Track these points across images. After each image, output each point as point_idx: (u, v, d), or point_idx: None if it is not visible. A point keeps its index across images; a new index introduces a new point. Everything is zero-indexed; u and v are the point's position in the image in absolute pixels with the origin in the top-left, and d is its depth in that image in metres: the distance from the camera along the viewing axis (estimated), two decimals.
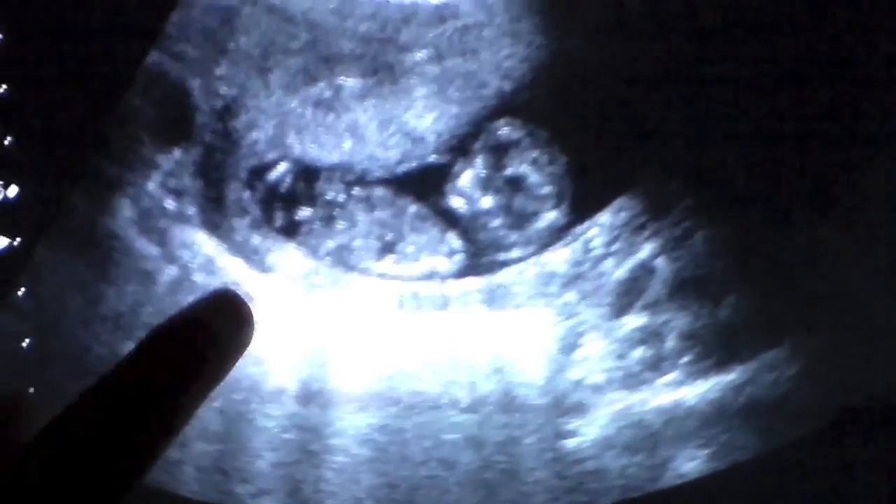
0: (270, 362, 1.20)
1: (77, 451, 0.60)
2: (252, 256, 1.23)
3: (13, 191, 1.21)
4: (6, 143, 1.22)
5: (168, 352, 0.65)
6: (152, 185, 1.23)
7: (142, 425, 0.62)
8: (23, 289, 1.20)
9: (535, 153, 1.26)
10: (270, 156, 1.25)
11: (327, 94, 1.26)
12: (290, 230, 1.24)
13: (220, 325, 0.67)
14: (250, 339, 0.69)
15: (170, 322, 0.65)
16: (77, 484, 0.59)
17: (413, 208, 1.25)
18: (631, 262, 1.25)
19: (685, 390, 1.22)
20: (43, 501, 0.58)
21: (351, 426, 1.21)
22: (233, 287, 0.77)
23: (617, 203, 1.25)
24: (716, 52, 1.24)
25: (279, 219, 1.24)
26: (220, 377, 0.67)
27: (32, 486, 0.58)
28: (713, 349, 1.23)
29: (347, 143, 1.26)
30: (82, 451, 0.60)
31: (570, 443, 1.21)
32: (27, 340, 1.19)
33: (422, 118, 1.26)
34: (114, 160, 1.23)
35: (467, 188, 1.25)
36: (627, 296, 1.24)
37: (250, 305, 0.69)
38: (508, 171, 1.26)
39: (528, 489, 1.20)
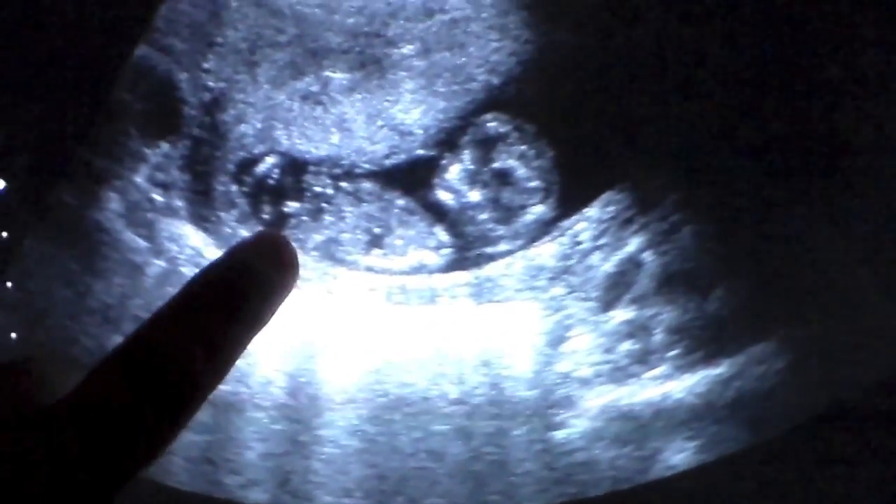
0: (259, 354, 1.23)
1: (114, 404, 0.62)
2: None
3: (0, 185, 1.24)
4: None
5: (210, 293, 0.67)
6: (140, 179, 1.25)
7: (185, 369, 0.64)
8: (10, 282, 1.22)
9: (522, 147, 1.28)
10: (258, 149, 1.27)
11: (315, 87, 1.27)
12: (278, 224, 1.25)
13: (262, 266, 0.69)
14: (294, 280, 0.71)
15: (212, 264, 0.68)
16: (110, 440, 0.61)
17: (401, 202, 1.27)
18: (619, 256, 1.27)
19: (673, 384, 1.25)
20: (72, 462, 0.60)
21: (340, 417, 1.23)
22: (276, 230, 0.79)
23: (605, 197, 1.27)
24: (705, 47, 1.27)
25: (267, 212, 1.26)
26: (265, 319, 0.69)
27: (65, 444, 0.60)
28: (701, 343, 1.24)
29: (335, 137, 1.27)
30: (120, 403, 0.62)
31: (559, 435, 1.23)
32: (14, 334, 1.21)
33: (409, 112, 1.28)
34: (101, 153, 1.25)
35: (455, 182, 1.28)
36: (615, 290, 1.26)
37: (294, 248, 0.71)
38: (496, 165, 1.28)
39: (517, 480, 1.22)
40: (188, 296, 0.68)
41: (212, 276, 0.69)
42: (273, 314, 0.71)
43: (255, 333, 0.70)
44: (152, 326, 0.66)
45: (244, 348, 0.69)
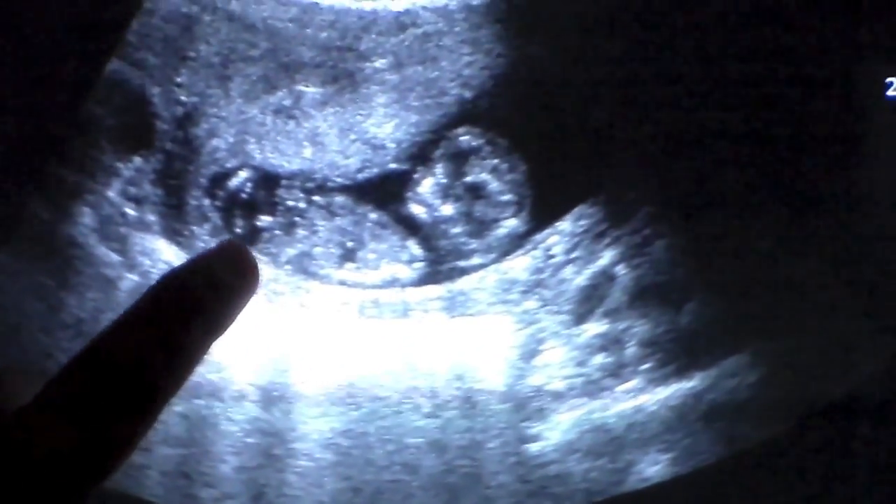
0: (232, 368, 1.24)
1: (76, 411, 0.64)
2: None
3: None
4: None
5: (170, 298, 0.70)
6: (113, 193, 1.26)
7: (143, 373, 0.67)
8: None
9: (495, 161, 1.29)
10: (231, 163, 1.29)
11: (287, 101, 1.29)
12: (251, 238, 1.27)
13: (223, 272, 0.72)
14: (255, 287, 0.74)
15: (172, 271, 0.71)
16: (71, 446, 0.63)
17: (373, 216, 1.29)
18: (591, 270, 1.29)
19: (646, 397, 1.27)
20: (35, 469, 0.62)
21: (314, 430, 1.24)
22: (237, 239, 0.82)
23: (577, 210, 1.29)
24: (679, 61, 1.30)
25: (240, 226, 1.28)
26: (225, 324, 0.72)
27: (25, 454, 0.63)
28: (674, 356, 1.27)
29: (308, 151, 1.29)
30: (82, 409, 0.64)
31: (533, 447, 1.25)
32: None
33: (382, 126, 1.30)
34: (74, 168, 1.26)
35: (427, 196, 1.30)
36: (588, 303, 1.28)
37: (254, 256, 0.75)
38: (469, 179, 1.30)
39: (491, 493, 1.24)
40: (148, 302, 0.71)
41: (172, 283, 0.72)
42: (233, 320, 0.74)
43: (214, 339, 0.73)
44: (111, 332, 0.69)
45: (204, 353, 0.72)
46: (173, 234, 1.28)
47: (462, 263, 1.31)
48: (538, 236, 1.31)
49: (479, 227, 1.31)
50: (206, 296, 0.72)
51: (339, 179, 1.30)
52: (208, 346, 0.73)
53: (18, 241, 1.25)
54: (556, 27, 1.31)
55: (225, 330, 0.74)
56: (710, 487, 1.24)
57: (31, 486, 0.61)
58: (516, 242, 1.31)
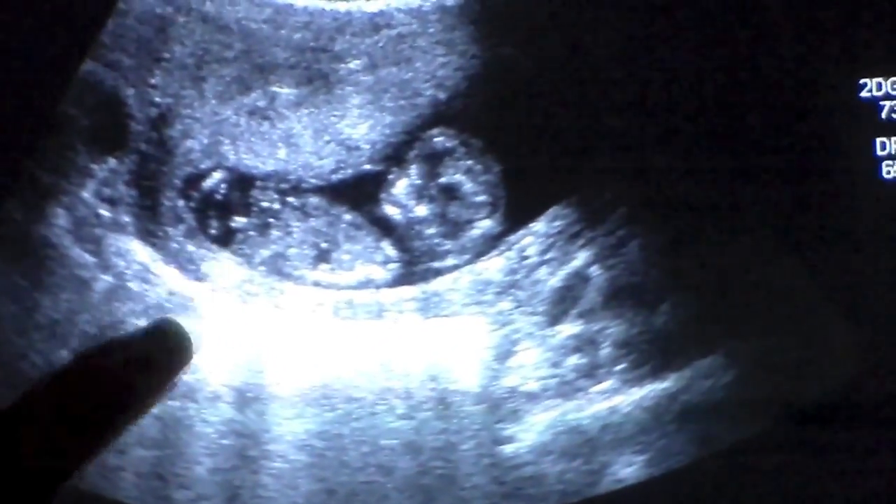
0: (207, 369, 1.26)
1: (43, 418, 0.67)
2: (187, 265, 1.27)
3: None
4: None
5: (99, 375, 0.73)
6: (87, 194, 1.28)
7: (64, 441, 0.69)
8: None
9: (469, 162, 1.32)
10: (205, 164, 1.31)
11: (262, 103, 1.31)
12: (225, 239, 1.29)
13: (154, 354, 0.76)
14: (183, 370, 0.78)
15: (105, 345, 0.75)
16: (38, 451, 0.66)
17: (348, 217, 1.31)
18: (566, 271, 1.31)
19: (621, 398, 1.29)
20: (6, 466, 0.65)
21: (288, 432, 1.27)
22: (177, 320, 0.84)
23: (552, 211, 1.32)
24: (651, 62, 1.32)
25: (214, 227, 1.30)
26: (147, 404, 0.76)
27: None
28: (648, 357, 1.30)
29: (282, 152, 1.31)
30: (49, 419, 0.67)
31: (508, 449, 1.28)
32: None
33: (356, 127, 1.32)
34: (48, 169, 1.29)
35: (402, 197, 1.32)
36: (562, 304, 1.30)
37: (190, 338, 0.78)
38: (443, 180, 1.32)
39: (466, 494, 1.26)
40: (72, 374, 0.74)
41: (101, 359, 0.76)
42: (157, 399, 0.78)
43: (136, 416, 0.76)
44: (34, 394, 0.72)
45: (126, 428, 0.75)
46: (148, 235, 1.30)
47: (436, 264, 1.33)
48: (512, 237, 1.33)
49: (454, 228, 1.33)
50: (132, 378, 0.75)
51: (313, 180, 1.32)
52: (132, 421, 0.76)
53: None
54: (530, 28, 1.33)
55: (150, 406, 0.77)
56: (685, 488, 1.27)
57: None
58: (490, 243, 1.33)
